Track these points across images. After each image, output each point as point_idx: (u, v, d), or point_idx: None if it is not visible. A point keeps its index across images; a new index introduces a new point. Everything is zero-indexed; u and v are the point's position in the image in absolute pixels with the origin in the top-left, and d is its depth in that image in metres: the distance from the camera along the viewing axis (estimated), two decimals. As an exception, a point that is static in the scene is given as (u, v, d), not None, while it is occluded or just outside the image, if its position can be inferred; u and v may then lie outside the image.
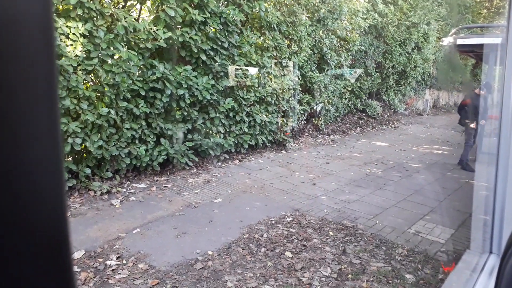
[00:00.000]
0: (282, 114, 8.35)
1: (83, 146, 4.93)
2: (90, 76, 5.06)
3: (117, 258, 3.45)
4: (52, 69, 0.34)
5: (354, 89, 12.03)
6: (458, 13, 17.44)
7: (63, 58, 4.54)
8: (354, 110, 12.52)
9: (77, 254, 3.45)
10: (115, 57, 5.16)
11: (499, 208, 1.78)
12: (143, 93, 5.39)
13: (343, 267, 3.41)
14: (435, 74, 17.44)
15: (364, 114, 12.76)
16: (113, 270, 3.25)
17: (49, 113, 0.33)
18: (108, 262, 3.36)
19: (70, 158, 5.01)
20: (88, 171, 4.98)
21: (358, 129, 11.55)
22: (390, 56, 13.11)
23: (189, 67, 5.95)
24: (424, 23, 13.99)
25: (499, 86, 1.77)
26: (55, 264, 0.35)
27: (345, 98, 11.62)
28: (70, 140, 4.68)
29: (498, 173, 1.77)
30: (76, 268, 3.23)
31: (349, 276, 3.27)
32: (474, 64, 18.78)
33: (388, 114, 13.99)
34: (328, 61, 9.86)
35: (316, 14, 9.20)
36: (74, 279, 0.38)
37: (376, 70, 12.90)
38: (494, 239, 1.77)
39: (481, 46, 6.22)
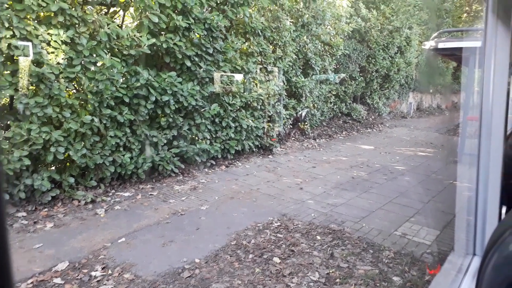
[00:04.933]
0: (268, 119, 8.37)
1: (67, 155, 4.85)
2: (73, 83, 5.00)
3: (102, 268, 3.39)
4: None
5: (339, 93, 12.14)
6: (439, 18, 17.79)
7: (44, 66, 4.47)
8: (339, 114, 12.62)
9: (60, 266, 3.38)
10: (98, 64, 5.10)
11: (481, 210, 1.80)
12: (127, 100, 5.34)
13: (331, 271, 3.41)
14: (418, 77, 17.73)
15: (349, 118, 12.88)
16: (98, 281, 3.19)
17: None
18: (93, 273, 3.30)
19: (53, 168, 4.92)
20: (72, 180, 4.90)
21: (343, 132, 11.64)
22: (374, 60, 13.29)
23: (173, 73, 5.92)
24: (406, 28, 14.22)
25: (478, 88, 1.81)
26: None
27: (330, 102, 11.72)
28: (52, 149, 4.59)
29: (480, 174, 1.80)
30: (60, 280, 3.16)
31: (337, 280, 3.27)
32: (455, 67, 19.16)
33: (373, 117, 14.14)
34: (312, 65, 9.93)
35: (300, 20, 9.27)
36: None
37: (360, 74, 13.04)
38: (477, 241, 1.79)
39: (461, 49, 6.34)
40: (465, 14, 21.31)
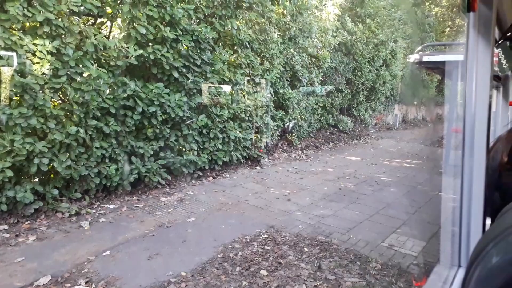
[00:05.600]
0: (256, 130, 8.38)
1: (51, 166, 4.77)
2: (58, 94, 4.93)
3: (86, 282, 3.31)
4: None
5: (326, 105, 12.26)
6: (423, 32, 18.18)
7: (29, 76, 4.41)
8: (326, 126, 12.72)
9: (43, 280, 3.29)
10: (84, 75, 5.05)
11: (465, 221, 1.81)
12: (113, 111, 5.29)
13: (318, 283, 3.40)
14: (403, 90, 18.02)
15: (336, 129, 12.98)
16: (81, 296, 3.12)
17: None
18: (76, 287, 3.22)
19: (36, 179, 4.82)
20: (56, 192, 4.81)
21: (330, 144, 11.71)
22: (360, 72, 13.47)
23: (161, 84, 5.90)
24: (392, 41, 14.49)
25: (461, 101, 1.84)
26: None
27: (317, 114, 11.82)
28: (36, 161, 4.51)
29: (464, 186, 1.82)
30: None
31: (325, 292, 3.25)
32: (439, 80, 19.53)
33: (359, 129, 14.28)
34: (300, 78, 10.03)
35: (287, 32, 9.37)
36: None
37: (347, 86, 13.21)
38: (462, 253, 1.80)
39: (444, 62, 6.47)
40: (448, 29, 21.83)
